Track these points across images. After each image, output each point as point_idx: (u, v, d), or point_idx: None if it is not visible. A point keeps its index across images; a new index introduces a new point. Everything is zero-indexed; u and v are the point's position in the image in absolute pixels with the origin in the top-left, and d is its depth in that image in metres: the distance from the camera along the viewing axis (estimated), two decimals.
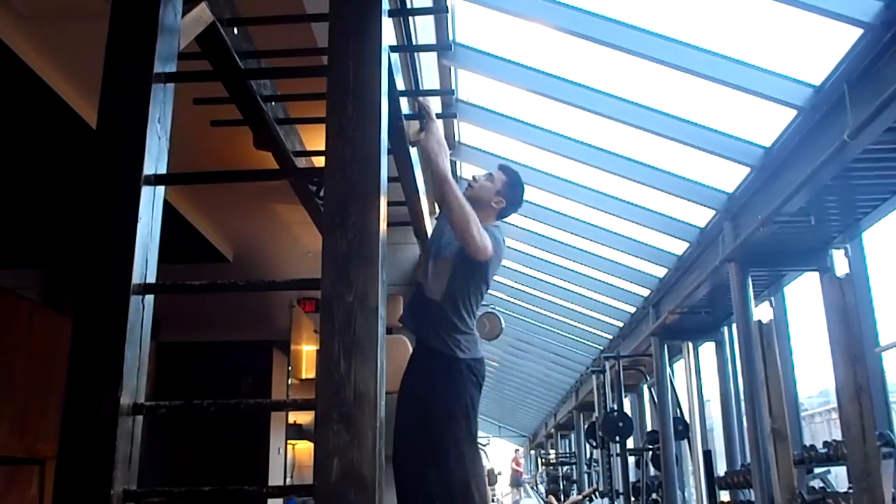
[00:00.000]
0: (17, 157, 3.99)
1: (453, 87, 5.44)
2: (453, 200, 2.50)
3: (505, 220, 3.02)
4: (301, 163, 3.03)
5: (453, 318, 2.62)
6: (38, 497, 4.34)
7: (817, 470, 5.79)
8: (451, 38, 4.98)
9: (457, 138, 6.16)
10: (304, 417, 8.95)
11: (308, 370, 8.19)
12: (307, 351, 8.15)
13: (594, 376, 11.24)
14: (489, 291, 3.18)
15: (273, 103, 2.61)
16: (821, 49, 4.71)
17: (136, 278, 1.36)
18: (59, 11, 2.81)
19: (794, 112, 4.77)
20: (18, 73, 2.97)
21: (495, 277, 10.16)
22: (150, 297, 1.40)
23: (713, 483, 7.47)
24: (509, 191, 2.85)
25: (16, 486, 4.33)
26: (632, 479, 10.17)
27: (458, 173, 6.45)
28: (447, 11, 4.39)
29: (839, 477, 5.89)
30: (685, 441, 8.84)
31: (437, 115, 3.35)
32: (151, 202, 1.41)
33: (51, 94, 3.16)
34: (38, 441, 4.26)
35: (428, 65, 3.51)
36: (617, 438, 9.63)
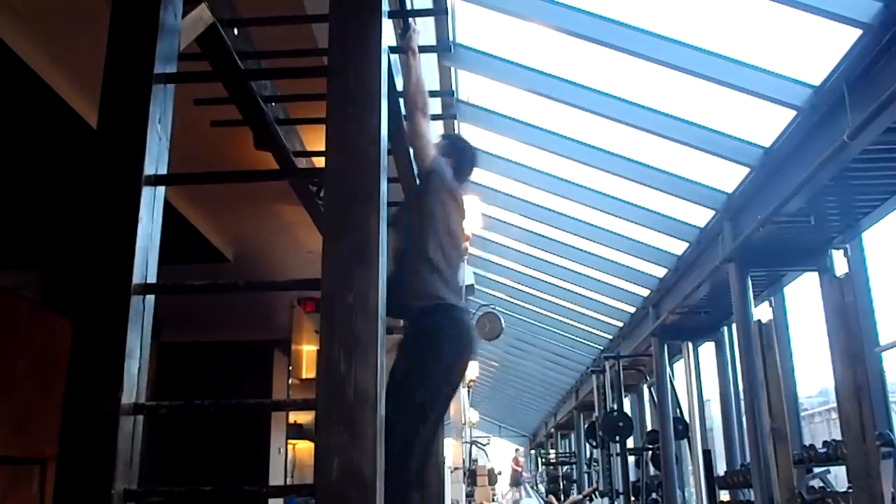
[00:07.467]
0: (16, 157, 3.99)
1: (453, 87, 5.45)
2: (415, 70, 2.51)
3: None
4: (301, 163, 3.04)
5: (413, 265, 2.42)
6: (39, 497, 4.34)
7: (817, 469, 5.80)
8: (451, 39, 4.99)
9: None
10: (304, 417, 8.94)
11: (308, 370, 8.18)
12: (307, 351, 8.15)
13: (594, 376, 11.25)
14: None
15: (273, 104, 2.61)
16: (820, 49, 4.71)
17: (137, 278, 1.36)
18: (59, 11, 2.81)
19: (793, 112, 4.77)
20: (18, 72, 2.98)
21: (496, 277, 10.06)
22: (150, 298, 1.40)
23: (713, 483, 7.48)
24: (450, 147, 2.81)
25: (16, 486, 4.32)
26: (632, 478, 10.17)
27: None
28: (447, 13, 4.40)
29: (839, 477, 5.89)
30: (685, 441, 8.85)
31: (437, 115, 3.36)
32: (152, 202, 1.41)
33: (50, 94, 3.16)
34: (38, 441, 4.25)
35: (428, 66, 3.51)
36: (617, 438, 9.63)
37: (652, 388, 9.83)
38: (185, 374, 6.79)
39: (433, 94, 3.42)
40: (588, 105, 5.51)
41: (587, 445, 13.86)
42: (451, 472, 7.60)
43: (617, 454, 10.19)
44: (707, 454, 7.79)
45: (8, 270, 5.39)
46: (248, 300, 6.49)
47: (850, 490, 4.83)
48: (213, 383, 6.96)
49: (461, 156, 2.82)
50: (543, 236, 8.16)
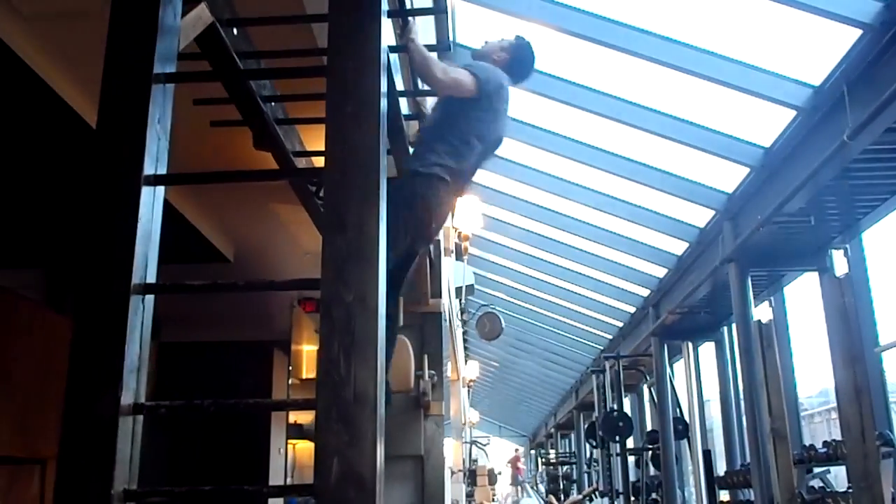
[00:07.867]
0: (17, 157, 3.99)
1: None
2: (414, 50, 2.55)
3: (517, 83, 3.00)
4: (300, 163, 3.03)
5: (431, 138, 2.61)
6: (39, 497, 4.34)
7: (817, 470, 5.80)
8: (450, 38, 4.98)
9: None
10: (304, 417, 8.94)
11: (308, 370, 8.18)
12: (307, 351, 8.15)
13: (594, 376, 11.25)
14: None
15: (272, 103, 2.61)
16: (820, 49, 4.72)
17: (136, 278, 1.36)
18: (59, 11, 2.81)
19: (793, 112, 4.78)
20: (18, 72, 2.98)
21: (496, 277, 10.04)
22: (150, 297, 1.40)
23: (713, 483, 7.48)
24: (514, 49, 2.92)
25: (16, 486, 4.32)
26: (632, 478, 10.17)
27: None
28: (446, 12, 4.39)
29: (839, 477, 5.89)
30: (685, 441, 8.85)
31: None
32: (151, 202, 1.40)
33: (51, 94, 3.16)
34: (38, 441, 4.25)
35: None
36: (617, 438, 9.63)
37: (652, 388, 9.83)
38: (184, 374, 6.78)
39: (434, 93, 3.41)
40: (588, 105, 5.51)
41: (587, 445, 13.87)
42: (452, 473, 7.60)
43: (617, 454, 10.19)
44: (707, 454, 7.79)
45: (8, 270, 5.39)
46: (248, 300, 6.49)
47: (850, 490, 4.84)
48: (212, 383, 6.95)
49: (516, 57, 2.92)
50: (543, 236, 8.16)
